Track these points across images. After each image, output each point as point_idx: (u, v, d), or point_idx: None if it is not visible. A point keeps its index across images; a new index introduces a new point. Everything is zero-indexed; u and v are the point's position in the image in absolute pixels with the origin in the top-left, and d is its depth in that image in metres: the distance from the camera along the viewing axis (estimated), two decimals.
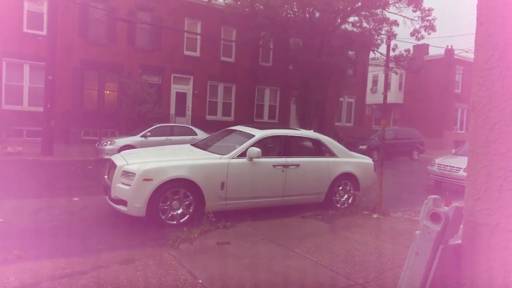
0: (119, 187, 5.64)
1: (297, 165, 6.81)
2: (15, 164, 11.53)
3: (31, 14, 17.25)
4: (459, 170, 10.38)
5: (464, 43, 38.05)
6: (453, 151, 12.68)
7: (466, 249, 1.66)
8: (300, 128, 10.20)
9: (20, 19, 16.96)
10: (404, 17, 19.93)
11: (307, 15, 19.62)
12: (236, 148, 6.43)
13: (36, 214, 6.10)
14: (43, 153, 13.20)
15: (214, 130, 10.98)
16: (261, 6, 18.65)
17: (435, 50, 31.06)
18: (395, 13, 19.90)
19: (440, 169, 10.91)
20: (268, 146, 6.91)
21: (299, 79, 20.85)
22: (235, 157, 6.27)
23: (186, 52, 21.10)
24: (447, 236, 1.55)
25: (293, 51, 20.98)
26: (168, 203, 5.69)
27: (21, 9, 16.98)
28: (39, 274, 3.63)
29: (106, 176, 6.25)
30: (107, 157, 10.77)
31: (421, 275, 1.59)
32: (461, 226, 1.83)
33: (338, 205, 7.32)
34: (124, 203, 5.56)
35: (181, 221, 5.74)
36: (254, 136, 6.67)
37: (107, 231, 5.53)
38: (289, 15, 19.70)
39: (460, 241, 1.75)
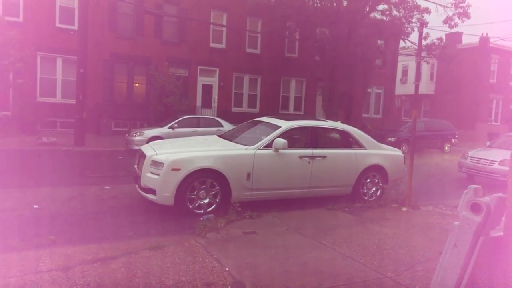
0: (148, 177, 5.76)
1: (324, 157, 6.73)
2: (50, 154, 11.99)
3: (63, 10, 17.77)
4: (493, 163, 9.97)
5: (499, 31, 36.26)
6: (488, 143, 12.16)
7: (508, 241, 1.57)
8: (326, 119, 10.06)
9: (52, 15, 17.49)
10: (437, 4, 19.18)
11: (335, 3, 19.20)
12: (262, 139, 6.42)
13: (70, 201, 6.33)
14: (76, 144, 13.65)
15: (239, 122, 11.00)
16: None
17: (469, 38, 29.76)
18: (426, 0, 19.17)
19: (473, 162, 10.50)
20: (294, 138, 6.85)
21: (325, 70, 20.52)
22: (261, 148, 6.26)
23: (212, 44, 21.17)
24: (488, 227, 1.47)
25: (319, 42, 20.64)
26: (195, 192, 5.77)
27: (53, 5, 17.51)
28: (73, 258, 3.78)
29: (136, 166, 6.39)
30: (136, 147, 11.01)
31: (459, 268, 1.52)
32: (503, 218, 1.73)
33: (366, 198, 7.19)
34: (153, 192, 5.69)
35: (208, 210, 5.82)
36: (280, 127, 6.64)
37: (137, 219, 5.67)
38: (316, 4, 19.35)
39: (501, 233, 1.66)
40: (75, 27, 16.55)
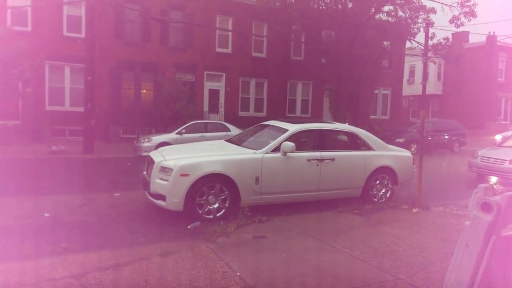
0: (158, 182, 5.79)
1: (332, 159, 6.71)
2: (60, 162, 12.13)
3: (70, 18, 18.01)
4: (504, 162, 9.85)
5: (507, 29, 35.94)
6: (497, 141, 12.03)
7: None
8: (334, 121, 10.04)
9: (60, 24, 17.74)
10: (442, 4, 19.07)
11: (340, 6, 19.20)
12: (269, 143, 6.42)
13: (81, 209, 6.39)
14: (85, 151, 13.78)
15: (246, 126, 11.01)
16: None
17: (476, 37, 29.52)
18: (432, 0, 19.08)
19: (483, 162, 10.38)
20: (302, 141, 6.84)
21: (331, 72, 20.48)
22: (269, 151, 6.26)
23: (218, 49, 21.29)
24: (499, 226, 1.47)
25: (325, 44, 20.63)
26: (204, 197, 5.78)
27: (61, 14, 17.76)
28: (85, 265, 3.81)
29: (145, 172, 6.44)
30: (145, 154, 11.08)
31: (471, 267, 1.51)
32: None
33: (376, 200, 7.14)
34: (162, 197, 5.71)
35: (217, 215, 5.82)
36: (287, 130, 6.63)
37: (147, 225, 5.71)
38: (321, 7, 19.37)
39: None
40: (82, 35, 16.75)
